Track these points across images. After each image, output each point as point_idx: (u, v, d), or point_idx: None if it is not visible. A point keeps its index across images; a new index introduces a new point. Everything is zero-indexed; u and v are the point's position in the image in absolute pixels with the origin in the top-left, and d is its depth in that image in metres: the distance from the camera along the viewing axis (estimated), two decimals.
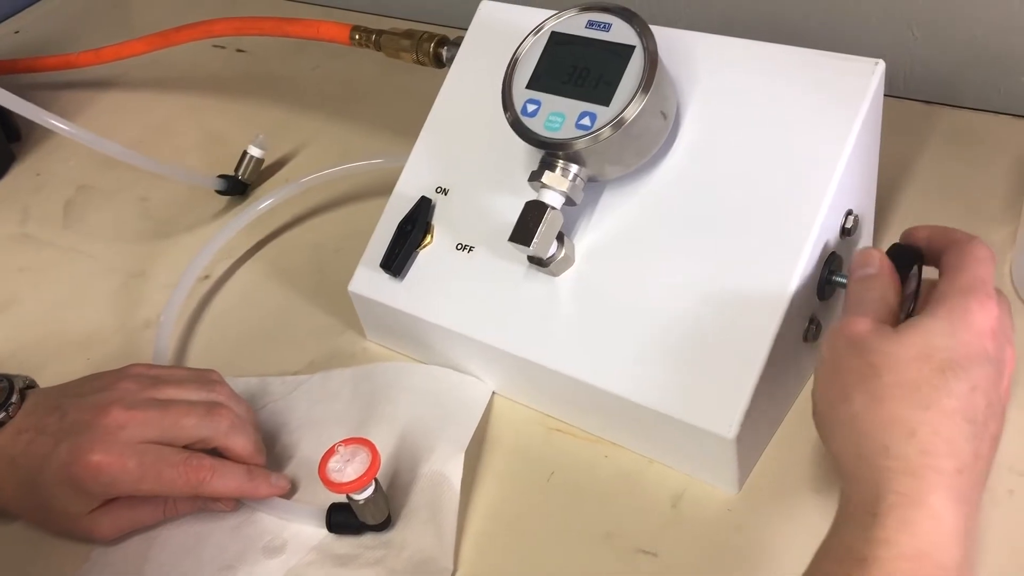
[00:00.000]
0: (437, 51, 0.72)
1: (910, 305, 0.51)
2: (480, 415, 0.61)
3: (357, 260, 0.67)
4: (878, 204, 0.63)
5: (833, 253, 0.55)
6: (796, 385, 0.59)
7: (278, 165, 0.90)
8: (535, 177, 0.55)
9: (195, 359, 0.72)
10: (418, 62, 0.73)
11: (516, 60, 0.57)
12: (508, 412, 0.62)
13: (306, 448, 0.63)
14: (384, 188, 0.68)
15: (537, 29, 0.57)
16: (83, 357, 0.74)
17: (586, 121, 0.53)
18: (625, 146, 0.54)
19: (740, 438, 0.51)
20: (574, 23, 0.56)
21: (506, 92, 0.56)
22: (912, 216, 0.69)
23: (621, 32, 0.54)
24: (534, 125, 0.55)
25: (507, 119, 0.55)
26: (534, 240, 0.54)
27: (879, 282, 0.48)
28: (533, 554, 0.55)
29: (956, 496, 0.41)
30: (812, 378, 0.50)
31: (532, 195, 0.56)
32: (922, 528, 0.40)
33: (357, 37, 0.77)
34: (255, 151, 0.85)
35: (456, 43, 0.70)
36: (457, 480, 0.57)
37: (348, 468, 0.52)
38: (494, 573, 0.54)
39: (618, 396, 0.54)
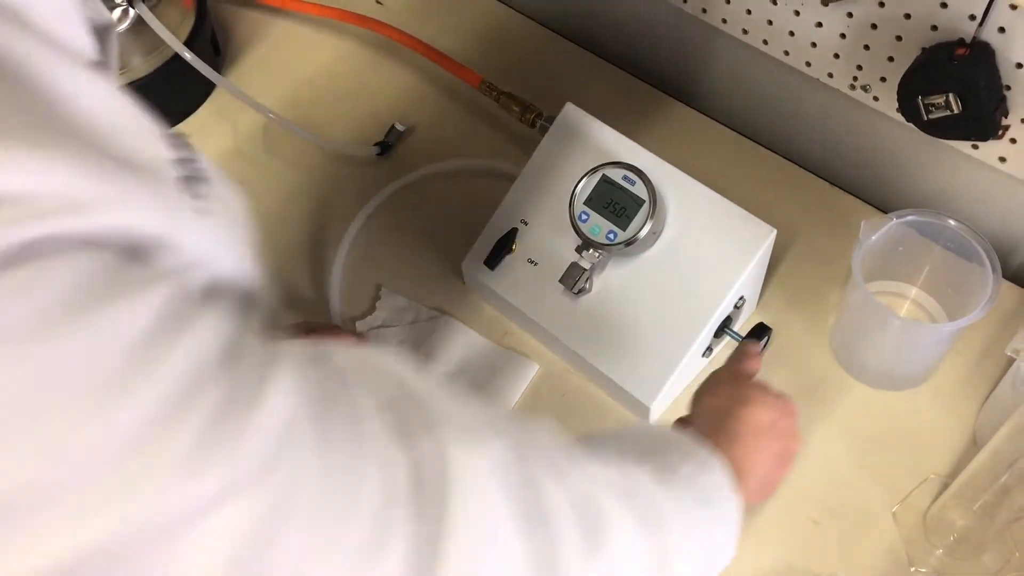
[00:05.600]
0: (535, 119, 1.16)
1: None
2: (522, 388, 1.11)
3: (464, 231, 1.15)
4: (772, 255, 1.11)
5: (728, 316, 1.04)
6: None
7: (408, 131, 1.33)
8: (579, 250, 1.03)
9: (360, 275, 1.21)
10: (520, 120, 1.17)
11: (578, 185, 1.02)
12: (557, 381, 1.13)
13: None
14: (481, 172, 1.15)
15: (595, 169, 1.02)
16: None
17: (611, 236, 1.00)
18: (631, 249, 1.01)
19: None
20: (616, 173, 1.01)
21: (571, 202, 1.02)
22: (790, 271, 1.16)
23: (640, 188, 1.00)
24: (584, 228, 1.02)
25: (569, 219, 1.02)
26: (575, 288, 1.03)
27: (752, 361, 0.97)
28: None
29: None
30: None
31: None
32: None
33: (485, 87, 1.20)
34: (399, 127, 1.29)
35: (548, 119, 1.14)
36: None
37: None
38: None
39: (592, 365, 1.05)
